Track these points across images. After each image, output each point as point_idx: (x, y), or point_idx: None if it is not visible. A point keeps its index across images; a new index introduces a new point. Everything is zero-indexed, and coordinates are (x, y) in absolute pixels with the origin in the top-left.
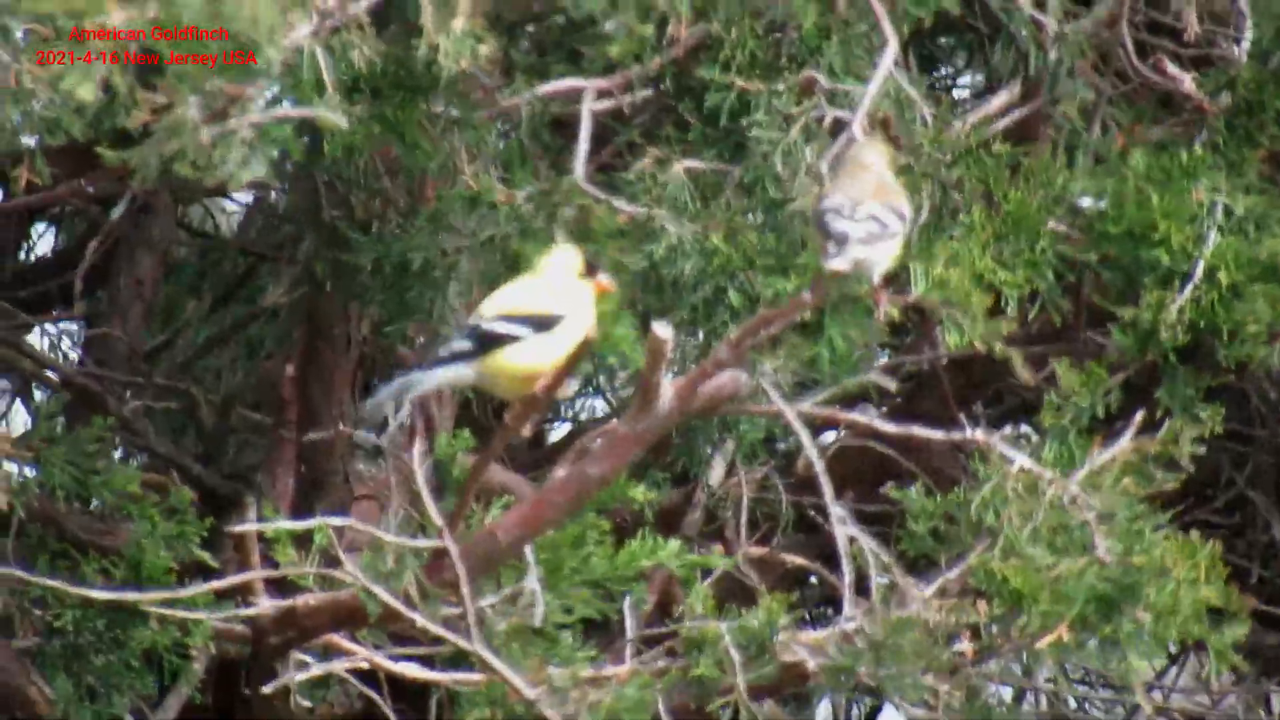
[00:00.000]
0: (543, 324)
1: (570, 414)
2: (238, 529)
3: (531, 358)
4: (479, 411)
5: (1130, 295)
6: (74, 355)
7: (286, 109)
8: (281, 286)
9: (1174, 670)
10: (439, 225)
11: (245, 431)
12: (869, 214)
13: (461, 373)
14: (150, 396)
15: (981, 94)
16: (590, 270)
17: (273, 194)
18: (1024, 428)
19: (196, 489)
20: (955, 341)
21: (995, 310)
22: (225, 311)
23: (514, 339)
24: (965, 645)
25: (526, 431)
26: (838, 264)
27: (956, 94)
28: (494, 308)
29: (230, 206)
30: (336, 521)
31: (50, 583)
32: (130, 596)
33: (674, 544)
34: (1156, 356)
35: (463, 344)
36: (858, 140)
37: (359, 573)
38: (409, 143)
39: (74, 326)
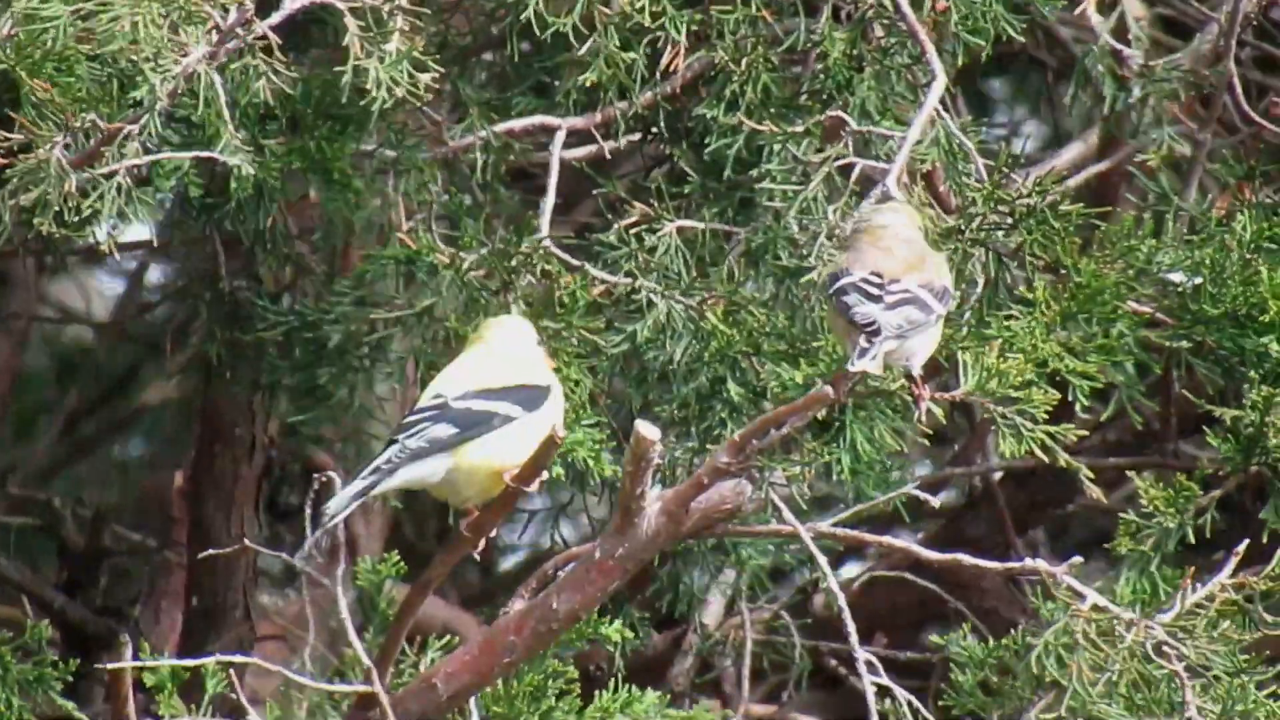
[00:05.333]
0: (532, 400)
1: (521, 534)
2: (110, 668)
3: (520, 447)
4: (413, 531)
5: (1231, 393)
6: None
7: (176, 149)
8: (169, 378)
9: None
10: (364, 293)
11: (121, 555)
12: (905, 295)
13: (434, 469)
14: (3, 510)
15: (1049, 145)
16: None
17: (157, 268)
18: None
19: (58, 624)
20: (1011, 450)
21: (1062, 409)
22: (99, 408)
23: (505, 419)
24: None
25: (480, 547)
26: (865, 365)
27: (1018, 145)
28: (461, 384)
29: (107, 282)
30: (235, 660)
31: None
32: None
33: (654, 695)
34: (1262, 468)
35: (443, 429)
36: (892, 197)
37: None
38: (338, 181)
39: None
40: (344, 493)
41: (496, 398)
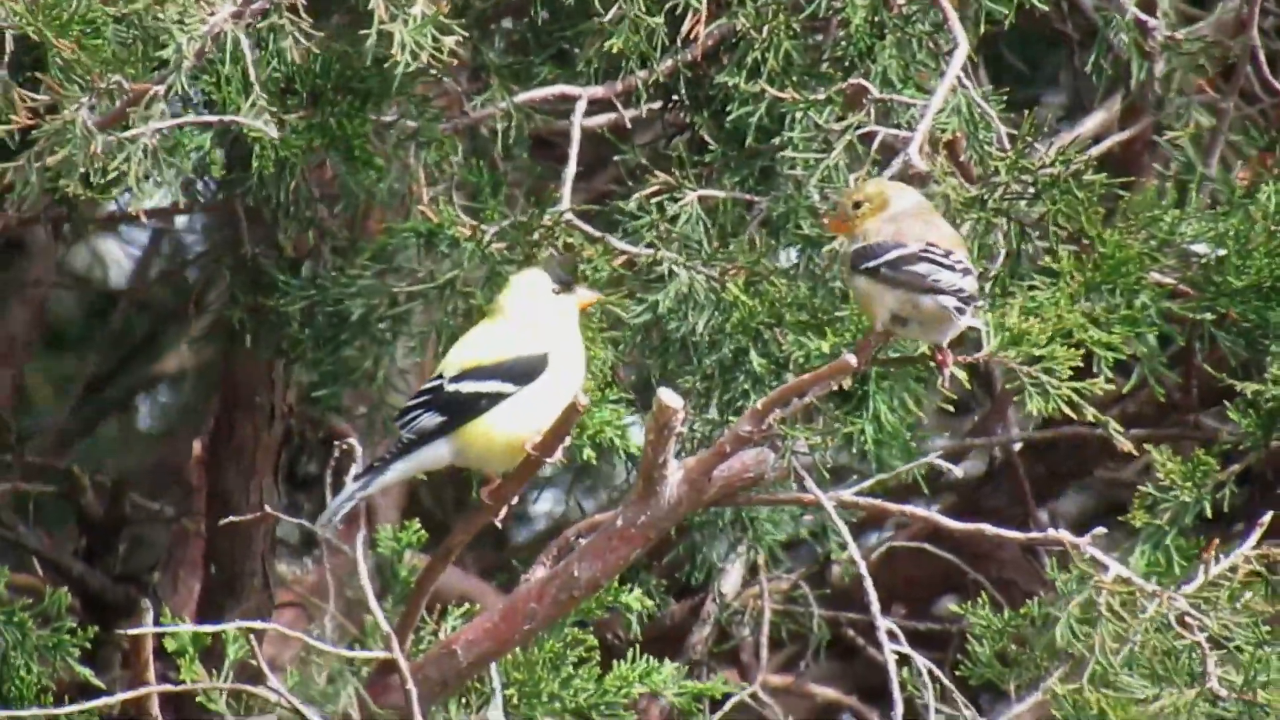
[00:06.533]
0: (525, 371)
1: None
2: (131, 632)
3: (526, 418)
4: (430, 498)
5: (1254, 365)
6: None
7: (201, 115)
8: (189, 344)
9: None
10: (386, 265)
11: (140, 523)
12: (965, 267)
13: (435, 455)
14: (21, 478)
15: (1071, 114)
16: (564, 286)
17: (178, 229)
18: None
19: (77, 592)
20: (1039, 406)
21: (1085, 380)
22: (117, 376)
23: (494, 398)
24: None
25: (501, 515)
26: (974, 322)
27: (1040, 114)
28: (457, 363)
29: (125, 250)
30: (255, 626)
31: None
32: None
33: (672, 667)
34: None
35: (430, 418)
36: (915, 166)
37: (286, 691)
38: (357, 158)
39: None
40: (340, 499)
41: (487, 376)
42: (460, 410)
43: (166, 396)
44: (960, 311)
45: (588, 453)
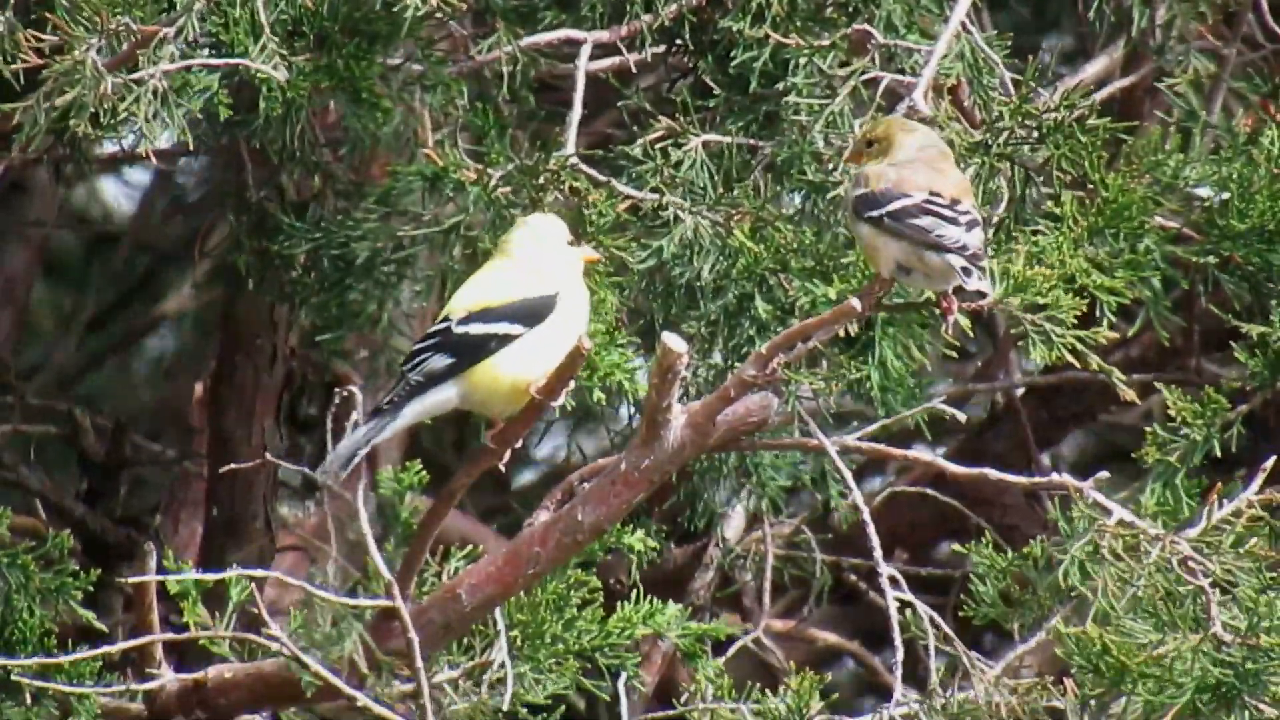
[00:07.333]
0: (534, 312)
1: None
2: (133, 580)
3: (532, 360)
4: (430, 441)
5: (1258, 308)
6: None
7: (208, 56)
8: (192, 287)
9: None
10: (391, 208)
11: (141, 465)
12: (972, 218)
13: (443, 398)
14: (21, 419)
15: (1074, 59)
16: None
17: (180, 174)
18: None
19: (79, 534)
20: (1042, 355)
21: (1088, 325)
22: (118, 317)
23: (503, 339)
24: None
25: (504, 458)
26: (982, 285)
27: (1043, 59)
28: (464, 305)
29: (121, 198)
30: (258, 574)
31: None
32: None
33: (675, 609)
34: None
35: (439, 360)
36: (919, 112)
37: (286, 637)
38: (365, 101)
39: None
40: (346, 445)
41: (496, 318)
42: (470, 352)
43: (167, 338)
44: (968, 273)
45: (597, 395)
